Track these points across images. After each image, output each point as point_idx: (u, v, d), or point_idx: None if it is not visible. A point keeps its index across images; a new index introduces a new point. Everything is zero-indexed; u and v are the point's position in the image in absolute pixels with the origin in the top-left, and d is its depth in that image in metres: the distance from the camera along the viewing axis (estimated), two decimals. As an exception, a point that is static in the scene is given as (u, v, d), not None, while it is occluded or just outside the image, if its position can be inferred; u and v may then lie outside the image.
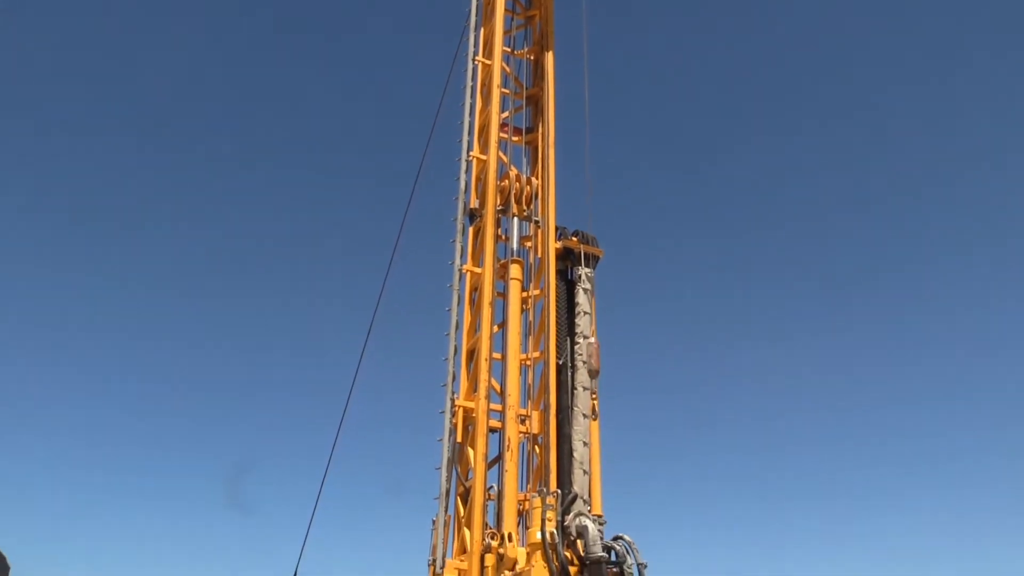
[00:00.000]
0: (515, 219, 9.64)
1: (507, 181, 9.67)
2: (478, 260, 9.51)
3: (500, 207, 9.59)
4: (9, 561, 17.06)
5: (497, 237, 9.48)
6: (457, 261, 9.49)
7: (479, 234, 9.64)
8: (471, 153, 10.06)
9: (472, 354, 9.17)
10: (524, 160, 10.41)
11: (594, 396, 8.64)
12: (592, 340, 8.82)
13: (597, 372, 8.72)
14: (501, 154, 9.92)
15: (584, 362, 8.85)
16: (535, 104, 10.56)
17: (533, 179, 9.89)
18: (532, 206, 9.78)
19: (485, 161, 9.81)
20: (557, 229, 9.46)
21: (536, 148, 10.32)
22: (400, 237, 12.30)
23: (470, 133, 10.16)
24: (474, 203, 9.88)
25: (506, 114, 10.33)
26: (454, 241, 9.62)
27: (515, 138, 10.40)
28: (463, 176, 9.96)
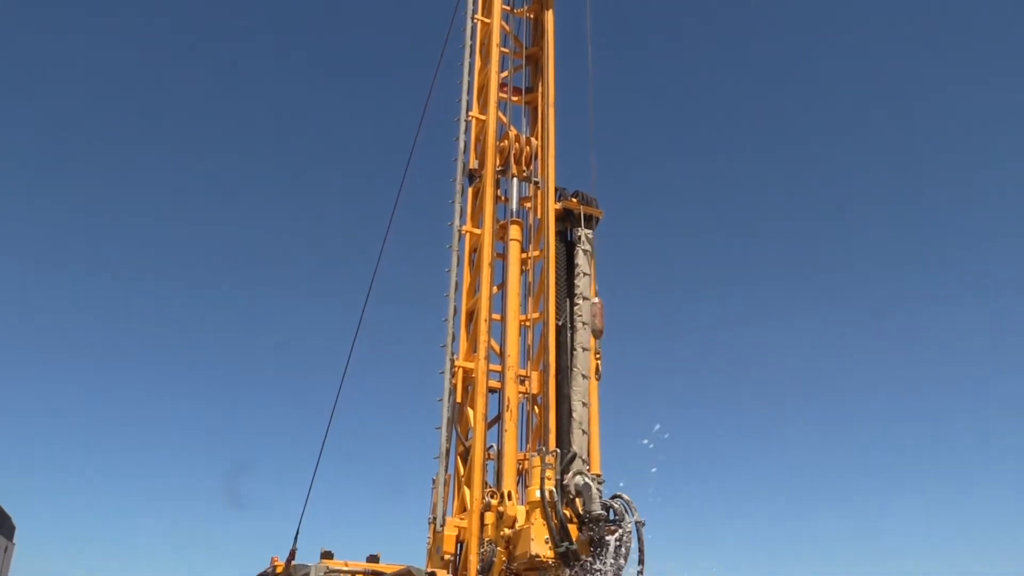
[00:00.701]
0: (514, 180, 9.58)
1: (506, 142, 9.60)
2: (477, 221, 9.47)
3: (499, 168, 9.54)
4: (14, 521, 17.25)
5: (496, 198, 9.43)
6: (456, 222, 9.46)
7: (478, 195, 9.59)
8: (470, 113, 9.98)
9: (471, 315, 9.18)
10: (524, 120, 10.33)
11: (598, 356, 8.65)
12: (596, 300, 8.81)
13: (601, 332, 8.71)
14: (500, 114, 9.83)
15: (584, 323, 8.86)
16: (535, 63, 10.44)
17: (533, 139, 9.82)
18: (532, 167, 9.72)
19: (484, 121, 9.73)
20: (557, 190, 9.40)
21: (536, 108, 10.23)
22: (399, 199, 12.24)
23: (469, 93, 10.06)
24: (473, 164, 9.82)
25: (505, 73, 10.22)
26: (453, 202, 9.58)
27: (515, 98, 10.30)
28: (462, 136, 9.89)
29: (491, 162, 9.34)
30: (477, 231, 9.38)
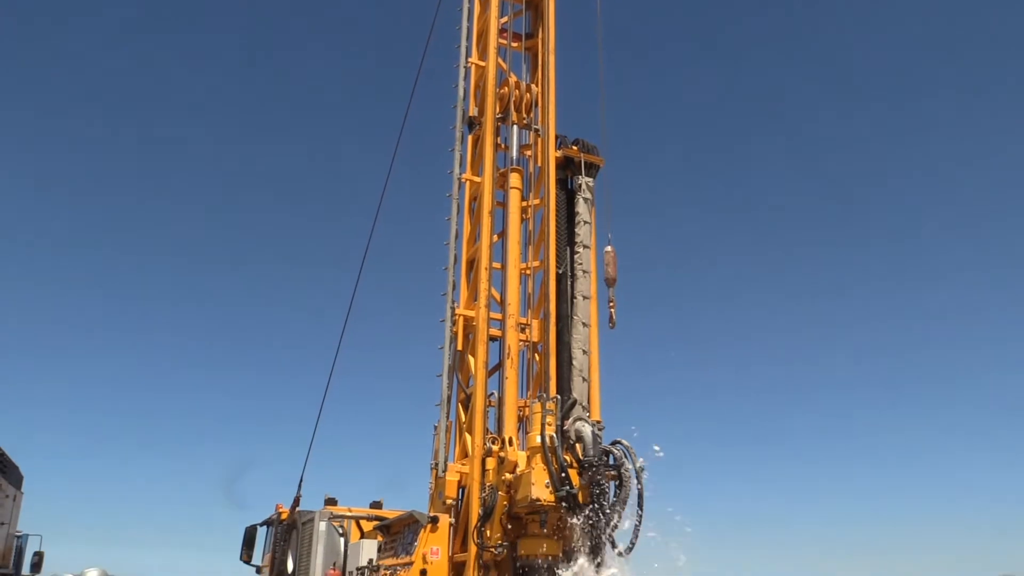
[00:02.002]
0: (515, 127, 9.49)
1: (506, 88, 9.48)
2: (477, 169, 9.41)
3: (499, 115, 9.44)
4: (22, 471, 17.44)
5: (496, 146, 9.35)
6: (456, 170, 9.40)
7: (478, 143, 9.51)
8: (470, 60, 9.85)
9: (472, 263, 9.17)
10: (524, 67, 10.19)
11: (612, 305, 8.65)
12: (609, 248, 8.79)
13: (614, 280, 8.69)
14: (500, 60, 9.70)
15: (584, 271, 8.85)
16: (535, 9, 10.26)
17: (533, 86, 9.70)
18: (532, 114, 9.62)
19: (484, 68, 9.61)
20: (557, 137, 9.30)
21: (536, 54, 10.08)
22: (398, 147, 12.15)
23: (468, 39, 9.92)
24: (473, 111, 9.72)
25: (505, 19, 10.05)
26: (453, 150, 9.51)
27: (514, 44, 10.15)
28: (461, 83, 9.77)
29: (491, 109, 9.24)
30: (477, 179, 9.32)
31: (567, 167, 9.27)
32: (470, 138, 9.65)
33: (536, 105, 9.60)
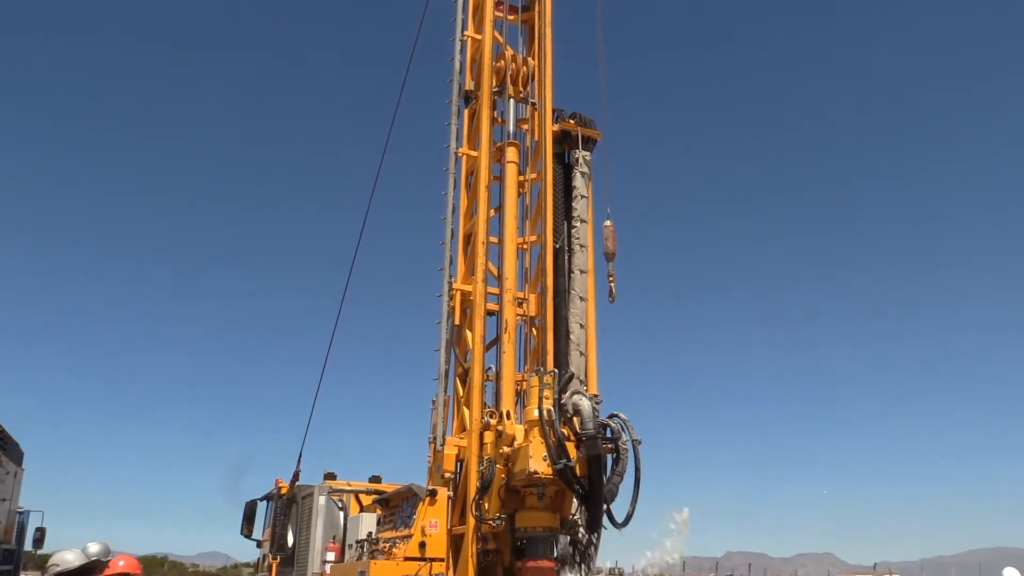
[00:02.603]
0: (511, 101, 9.43)
1: (503, 62, 9.42)
2: (474, 143, 9.36)
3: (496, 89, 9.38)
4: (22, 448, 17.50)
5: (493, 120, 9.31)
6: (453, 144, 9.35)
7: (475, 117, 9.46)
8: (466, 32, 9.78)
9: (469, 238, 9.15)
10: (520, 40, 10.08)
11: (611, 279, 8.65)
12: (608, 223, 8.77)
13: (614, 255, 8.69)
14: (497, 34, 9.62)
15: (582, 246, 8.83)
16: (532, -20, 10.15)
17: (530, 59, 9.63)
18: (528, 88, 9.56)
19: (480, 41, 9.54)
20: (554, 111, 9.25)
21: (533, 27, 9.97)
22: (394, 121, 12.10)
23: (464, 12, 9.82)
24: (469, 85, 9.66)
25: (501, -9, 9.95)
26: (449, 124, 9.45)
27: (511, 17, 10.05)
28: (457, 57, 9.70)
29: (487, 83, 9.19)
30: (474, 153, 9.28)
31: (564, 141, 9.22)
32: (466, 112, 9.59)
33: (533, 78, 9.53)
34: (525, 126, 9.55)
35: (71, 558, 5.53)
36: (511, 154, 9.19)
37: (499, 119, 9.46)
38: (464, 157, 9.39)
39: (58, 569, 5.49)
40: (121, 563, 5.97)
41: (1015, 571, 11.50)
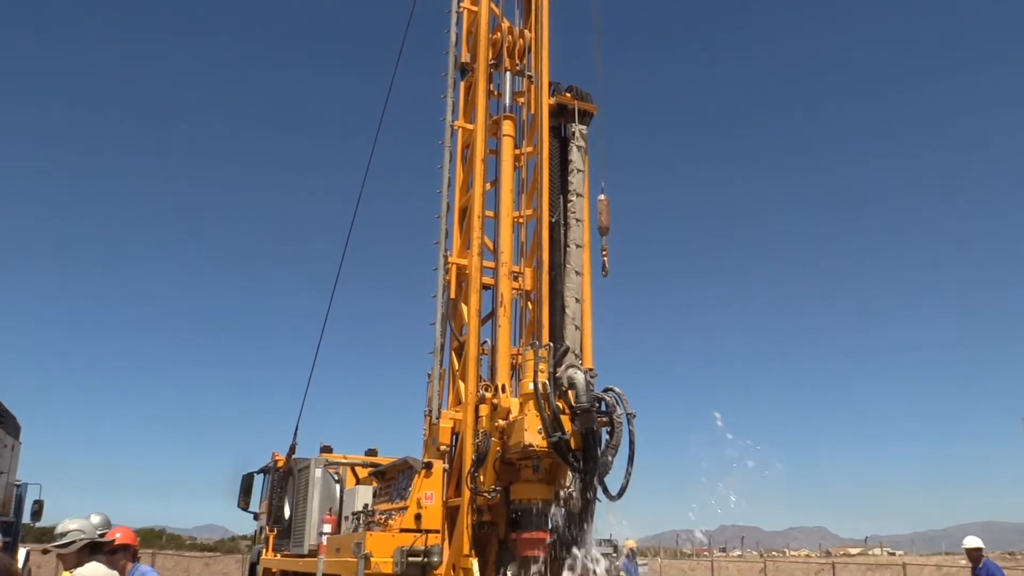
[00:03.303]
0: (507, 74, 9.36)
1: (499, 34, 9.34)
2: (470, 116, 9.31)
3: (492, 61, 9.31)
4: (19, 421, 17.53)
5: (489, 93, 9.25)
6: (448, 117, 9.30)
7: (471, 89, 9.40)
8: (461, 4, 9.70)
9: (465, 211, 9.13)
10: (517, 12, 10.00)
11: (605, 253, 8.64)
12: (602, 197, 8.74)
13: (607, 229, 8.67)
14: (493, 5, 9.53)
15: (578, 220, 8.81)
16: (528, -48, 10.05)
17: (526, 31, 9.55)
18: (525, 60, 9.50)
19: (476, 12, 9.45)
20: (551, 85, 9.19)
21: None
22: (390, 94, 12.02)
23: (460, -17, 9.73)
24: (465, 57, 9.58)
25: (498, -38, 9.85)
26: (445, 97, 9.40)
27: (507, -12, 9.95)
28: (453, 28, 9.63)
29: (483, 55, 9.12)
30: (470, 126, 9.23)
31: (560, 115, 9.17)
32: (462, 85, 9.53)
33: (529, 51, 9.47)
34: (521, 99, 9.50)
35: (76, 527, 5.51)
36: (507, 127, 9.14)
37: (495, 92, 9.40)
38: (460, 130, 9.35)
39: (64, 540, 5.47)
40: (118, 535, 5.99)
41: (976, 539, 11.74)
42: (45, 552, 5.66)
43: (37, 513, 17.28)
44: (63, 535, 5.37)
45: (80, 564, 5.36)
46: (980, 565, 11.57)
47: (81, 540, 5.33)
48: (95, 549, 5.43)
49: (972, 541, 11.70)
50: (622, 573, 14.04)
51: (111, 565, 5.53)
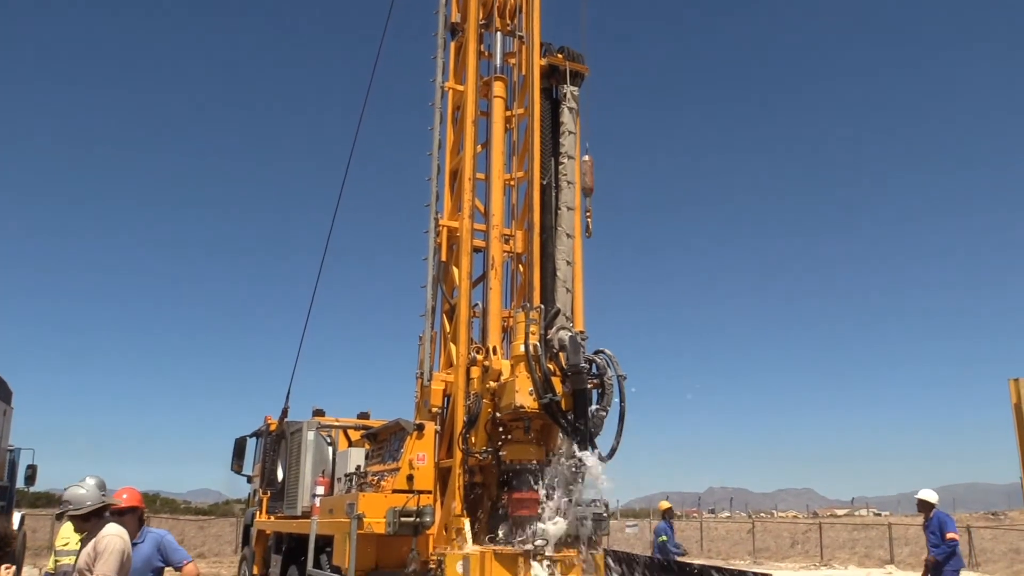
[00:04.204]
0: (498, 34, 9.26)
1: (490, -7, 9.20)
2: (460, 77, 9.22)
3: (482, 21, 9.20)
4: (11, 386, 17.51)
5: (480, 53, 9.15)
6: (439, 78, 9.20)
7: (461, 50, 9.29)
8: (452, -38, 9.54)
9: (455, 174, 9.08)
10: (507, -29, 9.85)
11: (589, 214, 8.60)
12: (587, 158, 8.66)
13: (591, 190, 8.61)
14: (483, -37, 9.38)
15: (569, 182, 8.76)
16: (519, -92, 9.87)
17: (517, -9, 9.41)
18: (516, 20, 9.37)
19: (466, -29, 9.30)
20: (542, 45, 9.07)
21: (520, -43, 9.74)
22: (380, 54, 11.88)
23: (450, -59, 9.57)
24: (455, 17, 9.46)
25: (488, -81, 9.67)
26: (435, 58, 9.28)
27: (498, -54, 9.79)
28: (443, -12, 9.48)
29: (474, 15, 9.00)
30: (460, 88, 9.15)
31: (552, 76, 9.06)
32: (453, 45, 9.42)
33: (520, 11, 9.34)
34: (512, 60, 9.39)
35: (84, 493, 5.50)
36: (498, 88, 9.05)
37: (486, 53, 9.29)
38: (450, 92, 9.26)
39: (71, 506, 5.47)
40: (124, 496, 6.02)
41: (930, 492, 12.10)
42: (60, 517, 5.65)
43: (31, 478, 17.34)
44: (75, 501, 5.39)
45: (88, 528, 5.40)
46: (931, 517, 11.91)
47: (91, 505, 5.38)
48: (99, 512, 5.47)
49: (925, 494, 12.09)
50: (663, 537, 14.31)
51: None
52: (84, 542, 5.49)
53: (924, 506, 12.06)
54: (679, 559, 14.02)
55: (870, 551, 30.81)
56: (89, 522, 5.43)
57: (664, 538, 14.23)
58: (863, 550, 31.36)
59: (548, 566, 7.01)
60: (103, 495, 5.67)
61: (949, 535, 11.67)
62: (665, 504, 15.58)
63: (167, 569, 6.34)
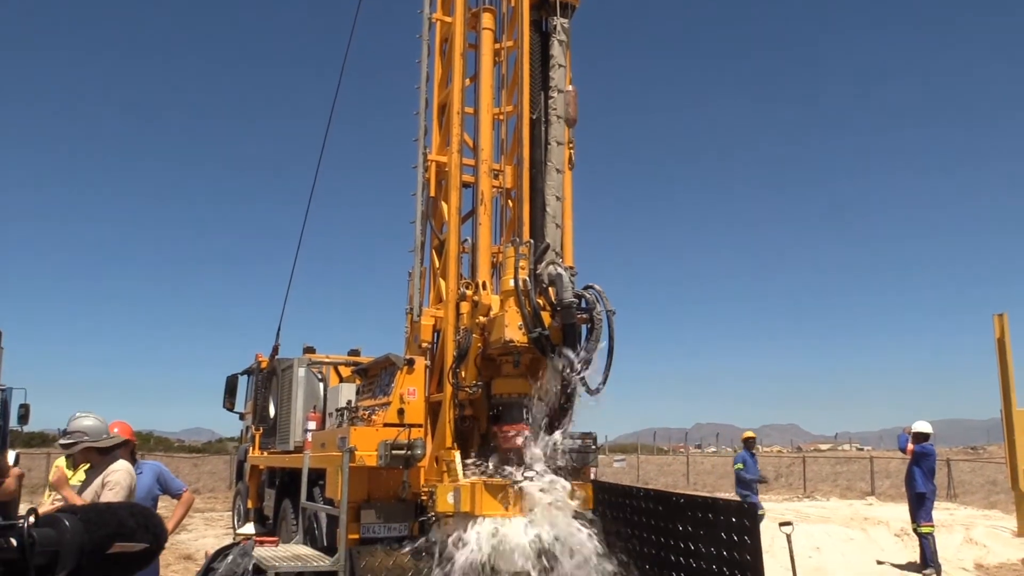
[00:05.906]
0: (487, -37, 9.03)
1: (477, -80, 8.96)
2: (448, 9, 9.02)
3: (470, -50, 8.96)
4: (0, 326, 17.47)
5: (468, -17, 8.93)
6: (426, 9, 9.01)
7: (448, -20, 9.07)
8: None
9: (444, 108, 8.95)
10: None
11: (571, 146, 8.51)
12: (570, 88, 8.52)
13: (574, 121, 8.49)
14: None
15: (559, 117, 8.65)
16: None
17: (506, -82, 9.16)
18: (505, -51, 9.14)
19: None
20: (531, -25, 8.87)
21: None
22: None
23: None
24: (442, -55, 9.21)
25: None
26: (422, -13, 9.07)
27: None
28: (430, -85, 9.21)
29: (461, -57, 8.75)
30: (448, 19, 8.96)
31: (542, 7, 8.85)
32: (440, -25, 9.18)
33: (509, -61, 9.10)
34: (501, -9, 9.18)
35: (100, 425, 5.55)
36: (487, 20, 8.87)
37: (474, -18, 9.07)
38: (438, 23, 9.07)
39: (88, 438, 5.50)
40: (115, 429, 6.07)
41: (926, 424, 12.99)
42: (66, 447, 5.68)
43: (24, 417, 17.41)
44: (92, 433, 5.45)
45: (97, 461, 5.49)
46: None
47: (110, 438, 5.48)
48: (110, 448, 5.57)
49: (922, 426, 13.10)
50: (739, 464, 14.77)
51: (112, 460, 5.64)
52: (89, 476, 5.57)
53: (920, 438, 13.08)
54: (759, 484, 14.69)
55: (852, 483, 31.55)
56: (101, 456, 5.51)
57: (740, 465, 14.65)
58: (845, 483, 32.13)
59: (538, 496, 7.14)
60: (116, 437, 5.74)
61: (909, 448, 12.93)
62: (749, 433, 15.89)
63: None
